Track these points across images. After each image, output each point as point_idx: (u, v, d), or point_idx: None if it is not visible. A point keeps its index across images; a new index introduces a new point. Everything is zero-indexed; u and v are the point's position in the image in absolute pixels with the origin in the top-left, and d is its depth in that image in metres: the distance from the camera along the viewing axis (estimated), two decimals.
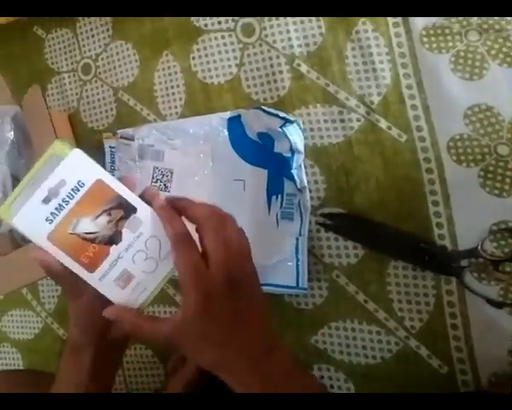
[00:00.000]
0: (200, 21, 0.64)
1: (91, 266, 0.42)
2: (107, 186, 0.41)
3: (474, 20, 0.52)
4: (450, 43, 0.52)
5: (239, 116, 0.61)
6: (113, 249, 0.42)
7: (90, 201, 0.41)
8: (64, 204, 0.41)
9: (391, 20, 0.55)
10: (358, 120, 0.56)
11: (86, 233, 0.41)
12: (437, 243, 0.52)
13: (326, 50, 0.58)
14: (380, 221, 0.54)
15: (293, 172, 0.55)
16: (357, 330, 0.55)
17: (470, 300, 0.51)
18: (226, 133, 0.62)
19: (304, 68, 0.59)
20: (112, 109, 0.70)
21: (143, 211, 0.42)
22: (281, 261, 0.57)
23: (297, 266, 0.57)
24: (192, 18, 0.64)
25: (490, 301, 0.49)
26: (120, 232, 0.41)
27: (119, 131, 0.67)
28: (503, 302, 0.49)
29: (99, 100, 0.71)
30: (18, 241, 0.70)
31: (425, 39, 0.54)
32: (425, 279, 0.53)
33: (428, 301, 0.53)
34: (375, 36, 0.56)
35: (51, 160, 0.40)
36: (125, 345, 0.51)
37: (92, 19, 0.72)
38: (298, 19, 0.59)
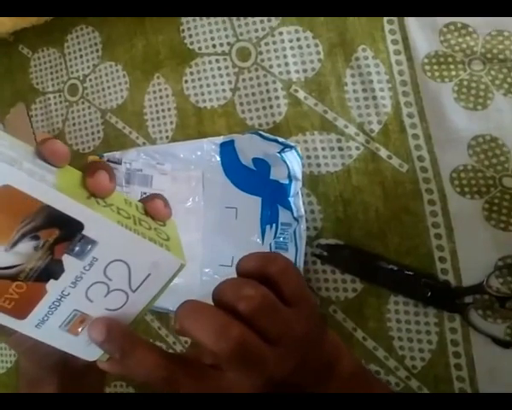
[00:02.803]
0: (194, 44, 0.62)
1: (20, 312, 0.30)
2: (22, 195, 0.27)
3: (478, 48, 0.50)
4: (454, 72, 0.51)
5: (232, 141, 0.58)
6: (52, 286, 0.30)
7: None
8: None
9: (392, 47, 0.54)
10: (358, 149, 0.54)
11: (0, 269, 0.29)
12: (439, 278, 0.50)
13: (324, 76, 0.56)
14: (379, 254, 0.52)
15: (290, 199, 0.53)
16: None
17: (475, 339, 0.48)
18: (218, 159, 0.59)
19: (301, 94, 0.57)
20: (99, 132, 0.67)
21: (95, 225, 0.29)
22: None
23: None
24: (185, 40, 0.62)
25: (496, 341, 0.47)
26: (59, 261, 0.29)
27: (105, 155, 0.64)
28: (510, 342, 0.47)
29: (85, 122, 0.69)
30: None
31: (427, 67, 0.52)
32: (427, 316, 0.50)
33: (431, 339, 0.50)
34: (375, 63, 0.54)
35: None
36: None
37: (81, 39, 0.70)
38: (296, 44, 0.57)
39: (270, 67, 0.58)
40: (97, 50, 0.69)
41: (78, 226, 0.28)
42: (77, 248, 0.29)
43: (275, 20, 0.58)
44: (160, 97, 0.64)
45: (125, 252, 0.30)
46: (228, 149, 0.59)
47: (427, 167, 0.51)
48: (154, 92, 0.64)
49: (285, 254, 0.54)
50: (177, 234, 0.35)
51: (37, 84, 0.72)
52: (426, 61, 0.52)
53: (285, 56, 0.58)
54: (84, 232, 0.29)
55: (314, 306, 0.36)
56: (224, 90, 0.61)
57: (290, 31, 0.58)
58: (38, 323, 0.31)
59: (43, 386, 0.39)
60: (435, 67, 0.52)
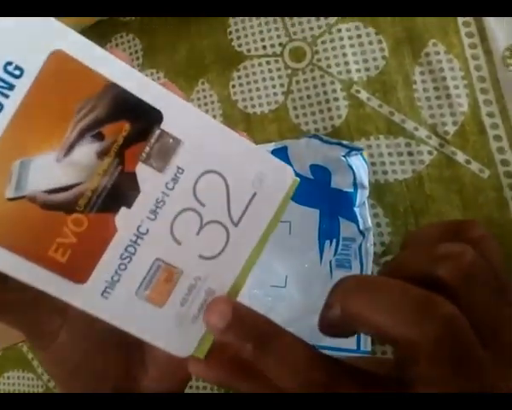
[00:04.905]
0: (243, 46, 0.58)
1: (78, 268, 0.20)
2: (79, 67, 0.19)
3: None
4: None
5: (285, 148, 0.53)
6: (124, 219, 0.20)
7: (44, 109, 0.19)
8: None
9: (466, 40, 0.48)
10: (430, 153, 0.48)
11: (50, 192, 0.19)
12: None
13: (390, 75, 0.50)
14: None
15: (356, 210, 0.47)
16: None
17: None
18: None
19: (364, 95, 0.51)
20: None
21: (179, 114, 0.21)
22: None
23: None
24: (233, 42, 0.58)
25: None
26: (132, 175, 0.20)
27: None
28: None
29: None
30: None
31: (509, 61, 0.46)
32: None
33: None
34: (448, 58, 0.48)
35: None
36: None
37: (121, 47, 0.66)
38: (356, 41, 0.52)
39: (328, 66, 0.53)
40: (138, 58, 0.64)
41: (154, 118, 0.20)
42: (155, 153, 0.20)
43: (332, 17, 0.53)
44: (205, 104, 0.59)
45: (219, 158, 0.21)
46: (280, 157, 0.52)
47: None
48: (199, 99, 0.60)
49: (348, 274, 0.48)
50: None
51: None
52: (507, 53, 0.47)
53: (344, 55, 0.52)
54: (163, 127, 0.20)
55: None
56: (275, 94, 0.56)
57: (350, 27, 0.52)
58: (106, 288, 0.20)
59: None
60: None
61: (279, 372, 0.20)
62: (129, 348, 0.26)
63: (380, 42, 0.51)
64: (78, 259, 0.20)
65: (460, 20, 0.48)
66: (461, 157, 0.47)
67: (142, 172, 0.20)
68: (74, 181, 0.20)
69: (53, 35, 0.19)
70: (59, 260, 0.20)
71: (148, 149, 0.20)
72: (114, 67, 0.20)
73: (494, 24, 0.47)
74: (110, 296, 0.21)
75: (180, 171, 0.21)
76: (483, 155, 0.46)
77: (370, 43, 0.52)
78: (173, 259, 0.21)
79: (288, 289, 0.52)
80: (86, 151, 0.19)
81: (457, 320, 0.18)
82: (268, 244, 0.52)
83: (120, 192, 0.20)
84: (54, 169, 0.19)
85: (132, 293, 0.21)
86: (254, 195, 0.22)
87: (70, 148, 0.19)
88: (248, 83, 0.57)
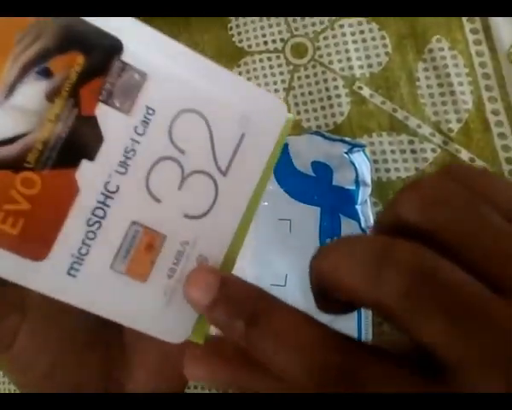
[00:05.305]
0: (244, 42, 0.57)
1: (34, 243, 0.16)
2: None
3: None
4: None
5: (286, 145, 0.52)
6: (87, 175, 0.17)
7: None
8: None
9: (471, 36, 0.47)
10: (434, 151, 0.47)
11: None
12: None
13: (393, 71, 0.50)
14: None
15: (358, 207, 0.46)
16: None
17: None
18: None
19: (366, 92, 0.50)
20: None
21: (143, 43, 0.17)
22: (339, 317, 0.47)
23: (358, 321, 0.46)
24: (234, 38, 0.57)
25: None
26: (92, 119, 0.17)
27: None
28: None
29: None
30: None
31: None
32: None
33: None
34: (452, 54, 0.48)
35: None
36: None
37: None
38: (359, 37, 0.51)
39: (330, 62, 0.52)
40: None
41: (113, 47, 0.17)
42: (117, 91, 0.17)
43: None
44: None
45: (196, 94, 0.18)
46: (280, 154, 0.52)
47: None
48: None
49: None
50: None
51: None
52: None
53: (347, 51, 0.52)
54: (123, 58, 0.17)
55: None
56: (276, 90, 0.55)
57: (352, 23, 0.52)
58: (72, 263, 0.17)
59: None
60: None
61: (281, 356, 0.16)
62: (107, 346, 0.22)
63: (383, 38, 0.50)
64: (35, 229, 0.16)
65: None
66: (465, 155, 0.46)
67: (104, 114, 0.17)
68: (20, 130, 0.16)
69: None
70: (9, 233, 0.16)
71: (108, 85, 0.17)
72: None
73: (499, 21, 0.47)
74: (79, 274, 0.17)
75: (150, 111, 0.17)
76: (487, 153, 0.45)
77: (373, 39, 0.51)
78: (153, 221, 0.18)
79: (289, 287, 0.51)
80: (32, 92, 0.16)
81: (420, 255, 0.14)
82: (268, 241, 0.51)
83: (79, 142, 0.17)
84: None
85: (106, 267, 0.17)
86: (243, 136, 0.19)
87: (11, 88, 0.16)
88: (249, 79, 0.56)
